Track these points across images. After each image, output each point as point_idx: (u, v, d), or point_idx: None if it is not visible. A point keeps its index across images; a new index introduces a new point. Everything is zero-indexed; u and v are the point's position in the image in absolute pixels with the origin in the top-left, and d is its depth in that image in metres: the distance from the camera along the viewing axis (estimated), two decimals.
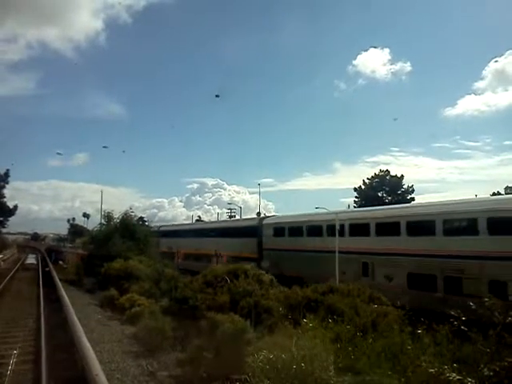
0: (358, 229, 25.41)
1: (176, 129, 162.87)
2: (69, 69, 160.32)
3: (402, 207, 27.53)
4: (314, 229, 29.26)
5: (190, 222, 70.98)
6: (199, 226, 55.00)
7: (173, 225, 59.74)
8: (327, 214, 27.61)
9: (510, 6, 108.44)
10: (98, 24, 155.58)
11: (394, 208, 27.99)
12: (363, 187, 59.94)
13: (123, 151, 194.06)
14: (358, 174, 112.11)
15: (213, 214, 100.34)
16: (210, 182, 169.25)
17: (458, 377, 4.36)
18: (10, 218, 67.66)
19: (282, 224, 33.66)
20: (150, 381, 8.71)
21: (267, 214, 43.53)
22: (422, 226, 21.43)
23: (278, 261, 29.97)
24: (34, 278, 31.11)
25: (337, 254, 22.92)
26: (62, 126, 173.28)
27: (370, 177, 60.46)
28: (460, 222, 20.15)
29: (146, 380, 8.72)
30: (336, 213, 25.65)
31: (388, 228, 23.45)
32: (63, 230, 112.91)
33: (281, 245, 32.04)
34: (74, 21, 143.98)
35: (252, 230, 36.33)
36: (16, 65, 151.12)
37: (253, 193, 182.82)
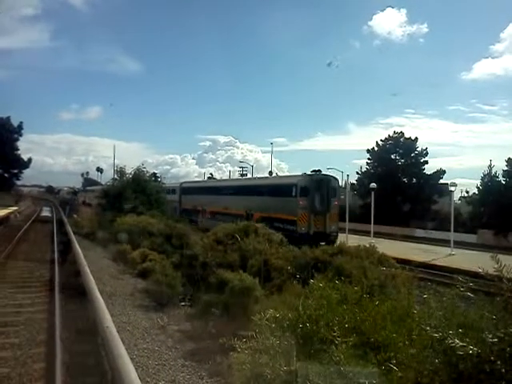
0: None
1: (189, 84, 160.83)
2: (81, 21, 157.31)
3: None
4: None
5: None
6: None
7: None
8: None
9: None
10: None
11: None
12: (376, 149, 58.93)
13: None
14: (371, 136, 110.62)
15: (225, 172, 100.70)
16: (223, 139, 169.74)
17: (461, 343, 4.37)
18: (24, 171, 68.99)
19: None
20: (159, 334, 8.96)
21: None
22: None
23: None
24: (49, 231, 31.72)
25: None
26: (76, 79, 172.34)
27: (383, 138, 59.37)
28: None
29: (156, 333, 8.96)
30: None
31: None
32: (77, 183, 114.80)
33: None
34: None
35: None
36: (29, 17, 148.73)
37: (265, 152, 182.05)
